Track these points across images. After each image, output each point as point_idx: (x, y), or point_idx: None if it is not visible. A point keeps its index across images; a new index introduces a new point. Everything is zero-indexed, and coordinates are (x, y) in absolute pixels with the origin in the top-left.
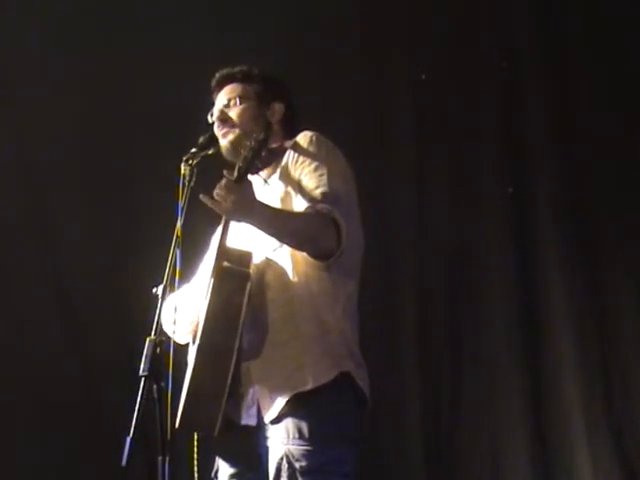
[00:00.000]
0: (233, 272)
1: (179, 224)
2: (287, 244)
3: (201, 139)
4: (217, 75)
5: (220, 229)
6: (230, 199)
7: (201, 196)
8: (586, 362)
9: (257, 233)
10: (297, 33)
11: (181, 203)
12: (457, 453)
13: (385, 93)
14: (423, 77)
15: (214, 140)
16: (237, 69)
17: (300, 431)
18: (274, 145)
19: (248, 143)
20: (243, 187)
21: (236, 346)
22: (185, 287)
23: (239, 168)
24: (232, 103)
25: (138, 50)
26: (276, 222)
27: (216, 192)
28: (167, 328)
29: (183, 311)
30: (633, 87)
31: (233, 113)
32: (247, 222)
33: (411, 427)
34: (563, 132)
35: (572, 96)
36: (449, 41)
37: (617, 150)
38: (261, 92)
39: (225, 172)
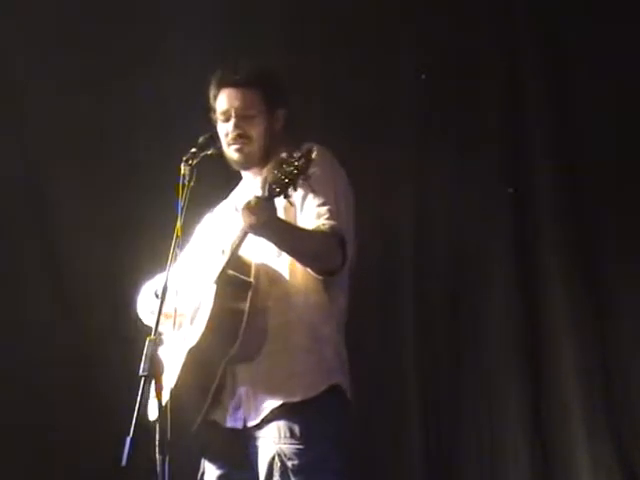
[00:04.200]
0: (236, 280)
1: (179, 224)
2: (297, 260)
3: (201, 139)
4: (223, 74)
5: (218, 230)
6: (262, 216)
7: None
8: (586, 362)
9: (258, 242)
10: (297, 33)
11: (181, 203)
12: (456, 453)
13: (385, 93)
14: (423, 77)
15: (214, 140)
16: (246, 72)
17: (292, 431)
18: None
19: (284, 166)
20: (272, 206)
21: (232, 352)
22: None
23: (272, 189)
24: (247, 115)
25: (139, 49)
26: (291, 239)
27: (246, 206)
28: (144, 316)
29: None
30: (633, 86)
31: (249, 127)
32: (265, 238)
33: (411, 428)
34: (563, 132)
35: (572, 96)
36: (449, 41)
37: (617, 150)
38: (267, 99)
39: (260, 184)
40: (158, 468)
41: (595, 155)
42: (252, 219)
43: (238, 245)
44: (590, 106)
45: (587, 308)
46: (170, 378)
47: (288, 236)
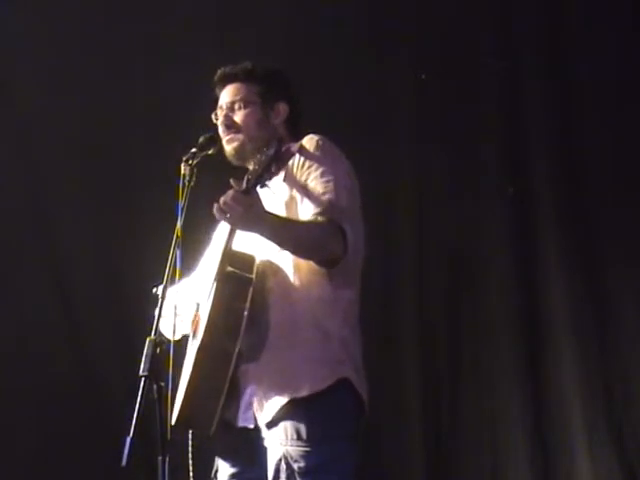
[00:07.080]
0: (236, 277)
1: (179, 224)
2: (293, 253)
3: (201, 139)
4: (220, 72)
5: (225, 230)
6: (238, 211)
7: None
8: (586, 362)
9: (259, 238)
10: (297, 32)
11: (181, 203)
12: (457, 454)
13: (385, 93)
14: (423, 77)
15: (214, 140)
16: (240, 67)
17: (298, 432)
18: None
19: (258, 156)
20: (252, 199)
21: (236, 350)
22: (184, 281)
23: (248, 180)
24: (236, 107)
25: (139, 49)
26: (283, 232)
27: (222, 201)
28: (165, 325)
29: (181, 304)
30: (633, 87)
31: (238, 118)
32: (254, 232)
33: (411, 428)
34: (563, 132)
35: (572, 96)
36: (449, 41)
37: (617, 150)
38: (265, 93)
39: (232, 182)
40: (158, 468)
41: (595, 155)
42: (226, 215)
43: (228, 241)
44: (590, 106)
45: (587, 308)
46: (184, 381)
47: (275, 227)
